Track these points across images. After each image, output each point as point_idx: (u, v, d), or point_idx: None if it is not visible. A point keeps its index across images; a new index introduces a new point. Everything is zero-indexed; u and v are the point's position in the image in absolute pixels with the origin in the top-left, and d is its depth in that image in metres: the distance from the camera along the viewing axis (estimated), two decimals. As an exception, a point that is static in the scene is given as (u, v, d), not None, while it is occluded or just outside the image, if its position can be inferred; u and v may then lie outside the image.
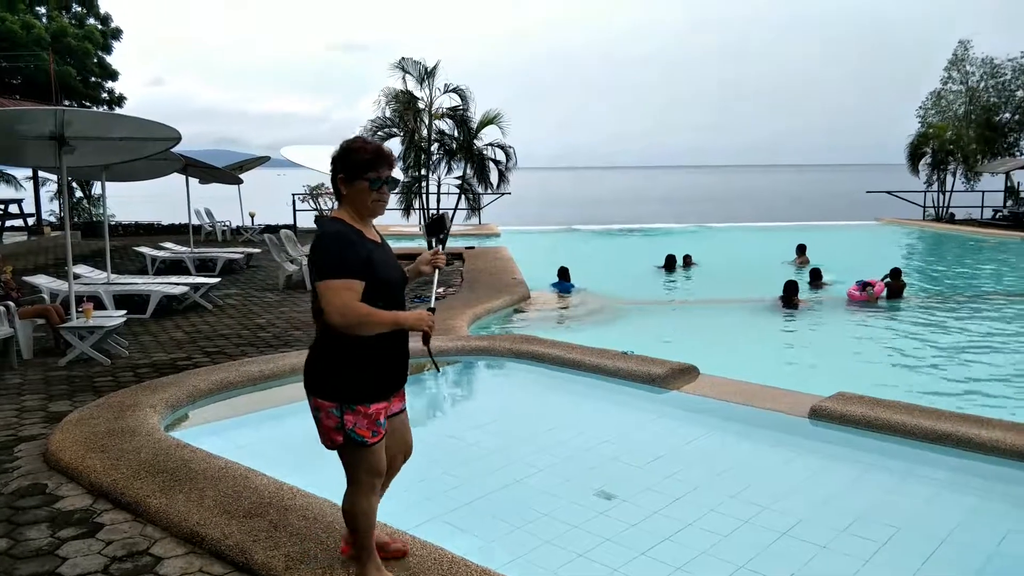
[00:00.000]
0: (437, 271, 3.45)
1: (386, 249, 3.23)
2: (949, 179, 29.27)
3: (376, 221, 3.31)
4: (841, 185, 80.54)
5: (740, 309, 12.60)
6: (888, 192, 30.81)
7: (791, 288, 12.05)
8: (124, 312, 8.73)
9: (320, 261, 2.98)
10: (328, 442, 3.14)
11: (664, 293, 14.45)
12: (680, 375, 6.78)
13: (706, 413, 6.16)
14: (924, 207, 29.86)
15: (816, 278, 14.10)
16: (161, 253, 15.41)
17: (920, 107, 37.76)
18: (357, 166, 3.07)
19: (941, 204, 29.18)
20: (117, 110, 24.03)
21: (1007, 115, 35.32)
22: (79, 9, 22.60)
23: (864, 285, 12.35)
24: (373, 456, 3.12)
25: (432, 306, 3.30)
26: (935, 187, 29.46)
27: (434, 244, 3.58)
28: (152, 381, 6.69)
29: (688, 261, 16.70)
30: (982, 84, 35.89)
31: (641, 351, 7.50)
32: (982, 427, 5.23)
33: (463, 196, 16.81)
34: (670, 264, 16.43)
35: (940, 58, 36.43)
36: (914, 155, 29.78)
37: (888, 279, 12.63)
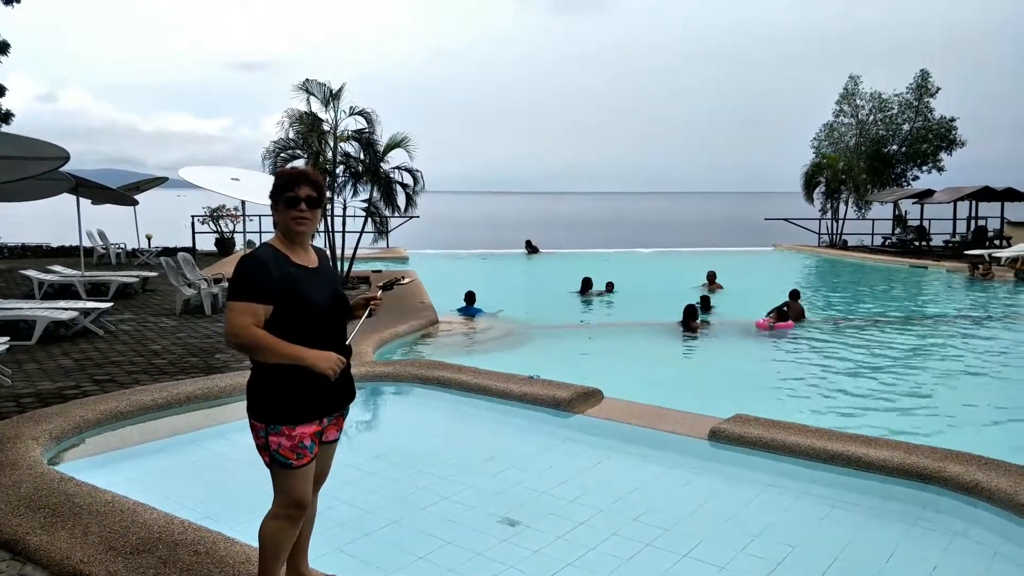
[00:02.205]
0: (368, 314, 3.41)
1: (319, 273, 3.22)
2: (842, 207, 30.84)
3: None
4: (738, 212, 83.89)
5: (646, 332, 12.86)
6: (785, 219, 32.22)
7: (690, 312, 12.36)
8: (7, 339, 8.18)
9: (231, 283, 3.09)
10: (264, 459, 3.18)
11: (574, 317, 14.57)
12: (585, 399, 6.82)
13: (610, 436, 6.22)
14: (819, 234, 31.34)
15: (706, 304, 14.53)
16: (49, 277, 14.58)
17: (814, 138, 39.90)
18: (276, 190, 3.16)
19: (835, 231, 30.68)
20: (3, 127, 22.77)
21: (894, 147, 37.67)
22: (-39, 21, 21.37)
23: (773, 316, 12.64)
24: (295, 480, 3.11)
25: (347, 344, 3.27)
26: (829, 215, 30.97)
27: (380, 291, 3.52)
28: (36, 412, 6.30)
29: (610, 287, 16.81)
30: (871, 117, 38.20)
31: (547, 375, 7.52)
32: (870, 446, 5.45)
33: (369, 219, 16.62)
34: (585, 288, 16.57)
35: (832, 91, 38.57)
36: (809, 184, 31.28)
37: (786, 306, 13.04)
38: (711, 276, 17.56)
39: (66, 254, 22.23)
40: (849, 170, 30.86)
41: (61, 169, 10.58)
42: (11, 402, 6.94)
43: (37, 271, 14.97)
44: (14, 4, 21.55)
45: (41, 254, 23.00)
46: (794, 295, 13.77)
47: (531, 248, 26.61)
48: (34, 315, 10.00)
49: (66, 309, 10.47)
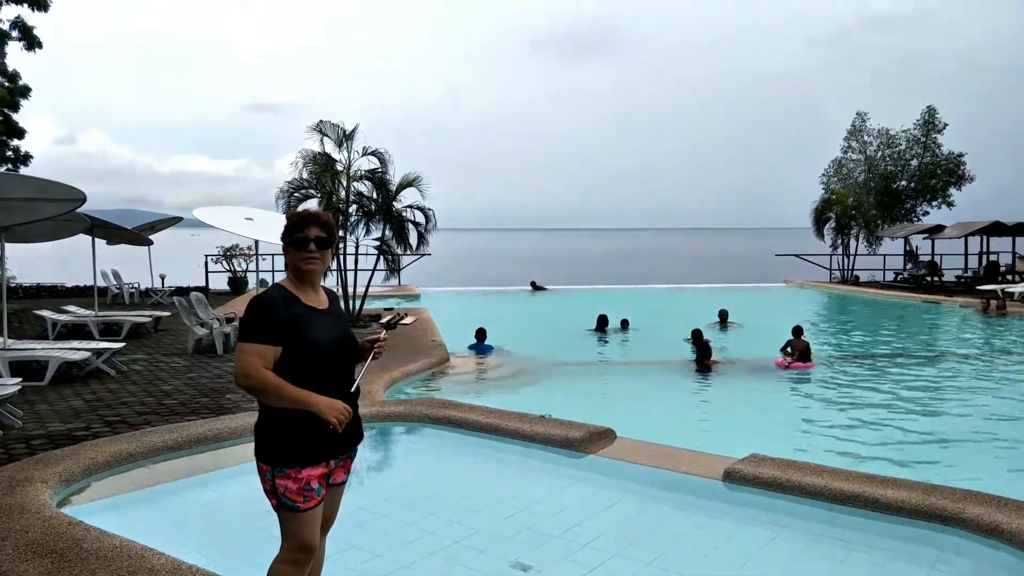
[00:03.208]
0: (372, 357, 3.39)
1: (328, 314, 3.24)
2: (852, 243, 30.77)
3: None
4: (750, 248, 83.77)
5: (660, 370, 12.78)
6: (796, 255, 32.15)
7: (704, 351, 12.29)
8: (19, 380, 8.21)
9: (241, 324, 3.11)
10: (271, 503, 3.15)
11: (587, 355, 14.49)
12: (597, 439, 6.75)
13: (623, 477, 6.14)
14: (830, 270, 31.24)
15: (698, 339, 14.46)
16: (63, 317, 14.68)
17: (823, 174, 40.02)
18: (287, 231, 3.20)
19: (846, 267, 30.59)
20: (22, 169, 23.12)
21: (903, 183, 37.71)
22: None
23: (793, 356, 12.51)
24: (302, 524, 3.09)
25: (354, 390, 3.25)
26: (840, 250, 30.89)
27: (383, 331, 3.52)
28: (46, 453, 6.30)
29: (625, 325, 16.70)
30: (879, 153, 38.33)
31: (560, 414, 7.46)
32: (888, 487, 5.36)
33: (381, 257, 16.73)
34: (601, 325, 16.46)
35: (841, 129, 38.74)
36: (819, 220, 31.26)
37: (790, 344, 12.92)
38: (723, 314, 17.46)
39: (80, 294, 22.39)
40: (859, 206, 30.85)
41: (77, 210, 10.72)
42: (21, 443, 6.94)
43: (51, 311, 15.07)
44: (36, 49, 22.02)
45: (56, 294, 23.17)
46: (797, 331, 13.69)
47: (536, 287, 26.69)
48: (47, 355, 10.05)
49: (78, 349, 10.52)
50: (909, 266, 30.62)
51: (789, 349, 12.75)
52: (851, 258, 30.58)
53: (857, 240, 31.09)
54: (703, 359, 12.19)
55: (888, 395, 10.60)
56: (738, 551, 4.84)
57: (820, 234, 31.43)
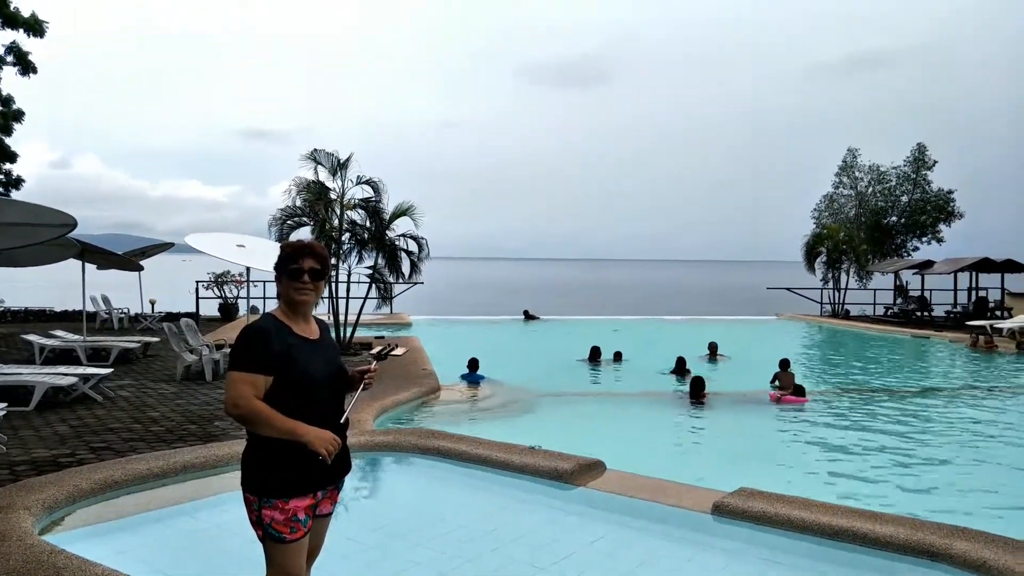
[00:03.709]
0: (362, 388, 3.39)
1: (319, 344, 3.25)
2: (843, 277, 30.95)
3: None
4: (742, 281, 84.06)
5: (651, 403, 12.77)
6: (787, 289, 32.31)
7: (697, 384, 12.31)
8: (4, 404, 8.14)
9: (231, 354, 3.11)
10: (257, 534, 3.13)
11: (579, 386, 14.44)
12: (587, 470, 6.73)
13: (612, 510, 6.11)
14: (821, 303, 31.39)
15: (681, 368, 14.79)
16: (50, 341, 14.58)
17: (815, 208, 40.34)
18: (280, 262, 3.21)
19: (837, 301, 30.73)
20: (14, 192, 23.11)
21: (894, 218, 38.05)
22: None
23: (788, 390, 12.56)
24: (288, 555, 3.08)
25: (343, 421, 3.26)
26: (830, 284, 31.06)
27: (374, 362, 3.51)
28: (29, 480, 6.23)
29: (618, 357, 16.64)
30: (870, 189, 38.71)
31: (550, 445, 7.43)
32: (876, 522, 5.34)
33: (374, 285, 16.72)
34: (594, 356, 16.41)
35: (831, 164, 39.17)
36: (810, 254, 31.47)
37: (776, 378, 13.03)
38: (713, 347, 17.49)
39: (69, 318, 22.28)
40: (850, 240, 31.09)
41: (68, 235, 10.71)
42: (5, 470, 6.86)
43: (38, 336, 14.98)
44: (31, 74, 22.13)
45: (44, 318, 23.05)
46: (784, 364, 13.77)
47: (529, 316, 26.75)
48: (33, 380, 9.96)
49: (65, 375, 10.44)
50: (899, 301, 30.80)
51: (777, 383, 12.77)
52: (842, 292, 30.75)
53: (848, 274, 31.28)
54: (697, 392, 12.19)
55: (877, 430, 10.61)
56: (727, 586, 4.82)
57: (811, 268, 31.63)
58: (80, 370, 11.12)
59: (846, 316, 29.72)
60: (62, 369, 11.13)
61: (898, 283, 32.37)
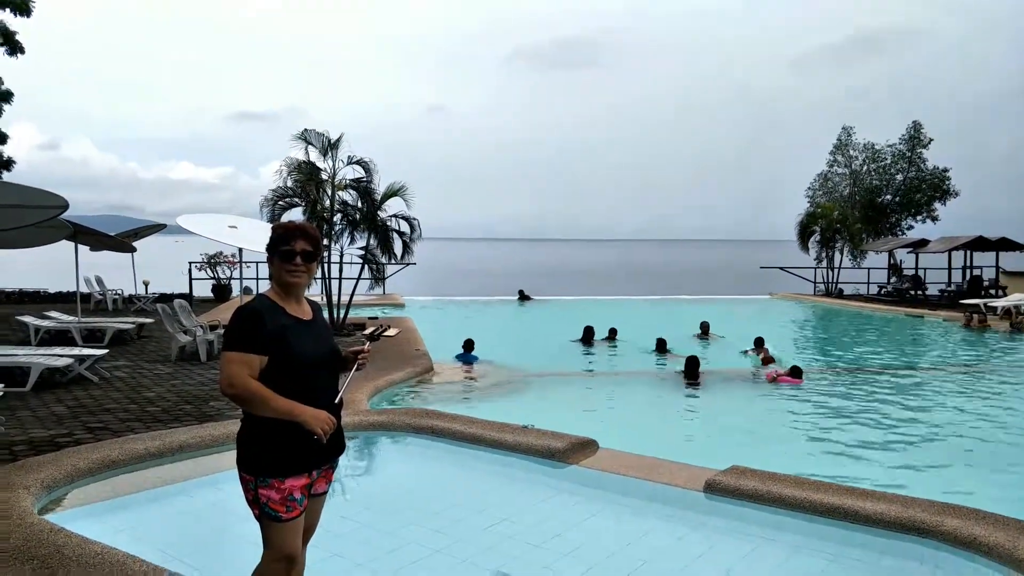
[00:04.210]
0: (356, 368, 3.42)
1: (312, 325, 3.26)
2: (837, 256, 30.99)
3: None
4: (736, 260, 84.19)
5: (643, 382, 12.83)
6: (781, 268, 32.36)
7: (692, 364, 12.35)
8: (1, 385, 8.16)
9: (226, 334, 3.11)
10: (254, 512, 3.16)
11: (572, 365, 14.51)
12: (579, 449, 6.77)
13: (604, 488, 6.16)
14: (815, 283, 31.45)
15: (662, 347, 15.05)
16: (45, 323, 14.55)
17: (809, 187, 40.33)
18: (272, 243, 3.22)
19: (830, 280, 30.80)
20: (4, 174, 22.98)
21: (888, 197, 38.06)
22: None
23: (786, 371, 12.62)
24: (284, 533, 3.11)
25: (338, 401, 3.28)
26: (824, 264, 31.11)
27: (367, 342, 3.54)
28: (28, 460, 6.27)
29: (613, 335, 16.68)
30: (864, 168, 38.70)
31: (543, 424, 7.47)
32: (867, 499, 5.40)
33: (366, 266, 16.71)
34: (587, 337, 16.42)
35: (826, 141, 39.10)
36: (804, 233, 31.48)
37: (753, 350, 13.29)
38: (704, 326, 17.52)
39: (63, 300, 22.22)
40: (844, 219, 31.10)
41: (61, 216, 10.66)
42: (4, 450, 6.89)
43: (34, 317, 14.95)
44: (18, 55, 21.91)
45: (39, 300, 22.99)
46: (758, 342, 13.90)
47: (523, 296, 26.75)
48: (29, 362, 9.97)
49: (61, 356, 10.44)
50: (893, 280, 30.89)
51: (749, 354, 12.96)
52: (835, 271, 30.80)
53: (842, 253, 31.32)
54: (692, 372, 12.22)
55: (870, 408, 10.68)
56: (718, 562, 4.87)
57: (805, 247, 31.65)
58: (76, 351, 11.11)
59: (840, 295, 29.80)
60: (58, 350, 11.12)
61: (892, 262, 32.44)
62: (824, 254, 31.08)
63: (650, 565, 4.70)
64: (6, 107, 22.36)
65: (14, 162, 23.46)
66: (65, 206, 8.65)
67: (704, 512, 5.72)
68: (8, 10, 20.97)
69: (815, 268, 31.49)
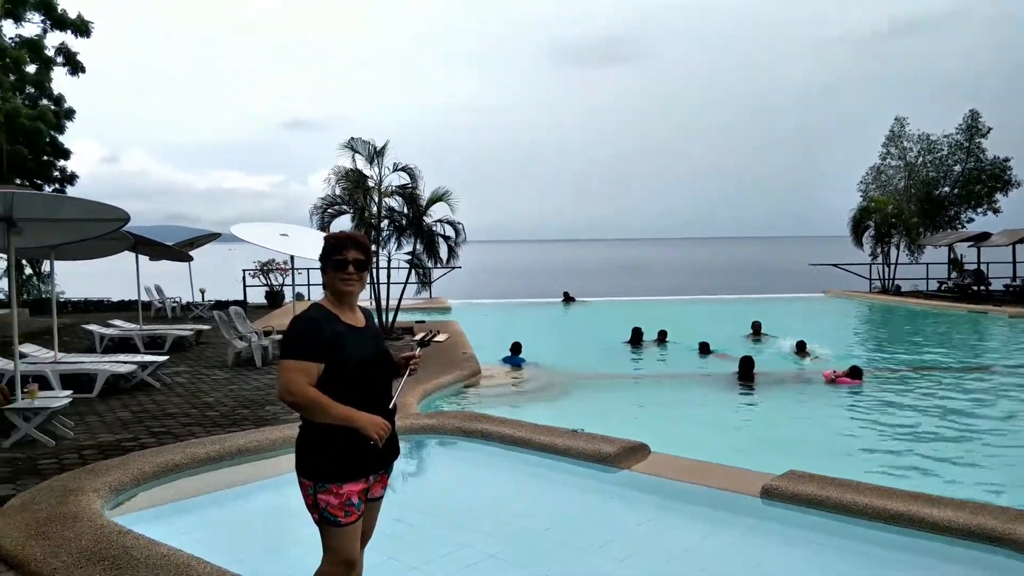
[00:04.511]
0: (408, 373, 3.48)
1: (365, 332, 3.32)
2: (893, 251, 30.15)
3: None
4: (786, 257, 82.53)
5: (693, 384, 12.66)
6: (833, 265, 31.63)
7: (747, 364, 12.14)
8: (70, 392, 8.49)
9: (283, 342, 3.21)
10: (313, 517, 3.22)
11: (621, 368, 14.38)
12: (631, 453, 6.70)
13: (657, 493, 6.08)
14: (870, 279, 30.66)
15: (662, 338, 15.30)
16: (109, 331, 15.05)
17: (861, 181, 39.31)
18: (325, 253, 3.29)
19: (886, 276, 29.99)
20: (68, 188, 23.78)
21: (946, 189, 36.89)
22: (32, 91, 22.62)
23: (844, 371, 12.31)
24: (344, 538, 3.17)
25: (392, 406, 3.33)
26: (880, 260, 30.30)
27: (417, 348, 3.59)
28: (96, 464, 6.51)
29: (662, 337, 16.48)
30: (920, 159, 37.57)
31: (593, 428, 7.43)
32: (933, 506, 5.21)
33: (413, 271, 16.88)
34: (636, 338, 16.27)
35: (878, 133, 38.07)
36: (857, 228, 30.69)
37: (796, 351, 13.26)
38: (756, 326, 17.22)
39: (125, 308, 22.92)
40: (899, 213, 30.26)
41: (121, 228, 10.98)
42: (74, 454, 7.17)
43: (98, 325, 15.47)
44: (79, 74, 22.67)
45: (102, 308, 23.75)
46: (800, 346, 13.90)
47: (568, 298, 26.61)
48: (96, 369, 10.35)
49: (125, 363, 10.80)
50: (954, 275, 29.92)
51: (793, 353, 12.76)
52: (891, 267, 29.98)
53: (898, 249, 30.46)
54: (746, 373, 12.01)
55: (933, 410, 10.36)
56: (777, 570, 4.78)
57: (859, 243, 30.85)
58: (138, 358, 11.49)
59: (897, 292, 29.00)
60: (121, 357, 11.51)
61: (952, 256, 31.41)
62: (879, 249, 30.28)
63: (708, 572, 4.63)
64: (69, 124, 23.14)
65: (77, 176, 24.25)
66: (126, 219, 8.89)
67: (761, 518, 5.60)
68: (70, 32, 21.74)
69: (870, 264, 30.70)
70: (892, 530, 5.14)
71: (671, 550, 5.01)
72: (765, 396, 11.51)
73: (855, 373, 11.90)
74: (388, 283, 16.83)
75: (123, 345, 14.70)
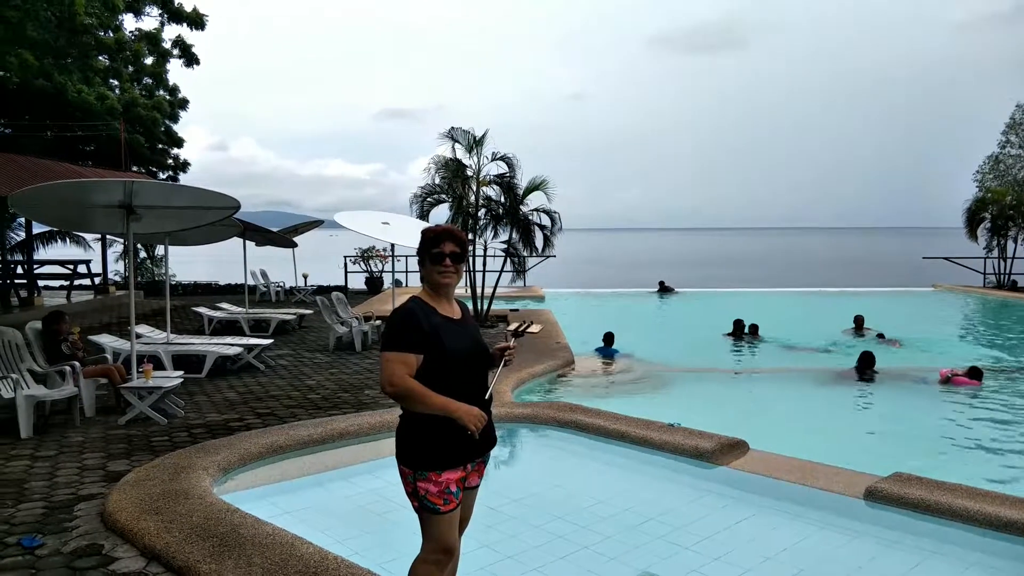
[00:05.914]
0: (503, 364, 3.52)
1: (462, 323, 3.41)
2: (1011, 245, 28.41)
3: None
4: (894, 249, 78.78)
5: (795, 379, 12.30)
6: (946, 258, 30.06)
7: (867, 360, 11.66)
8: (181, 373, 8.97)
9: (384, 334, 3.28)
10: (413, 505, 3.30)
11: (718, 361, 14.07)
12: (729, 450, 6.61)
13: (756, 491, 5.99)
14: (984, 273, 29.00)
15: (739, 330, 15.04)
16: (218, 313, 15.82)
17: (977, 171, 37.08)
18: (423, 247, 3.38)
19: (1002, 271, 28.30)
20: (181, 175, 25.08)
21: (1070, 179, 34.40)
22: (149, 81, 23.89)
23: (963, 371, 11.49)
24: (442, 525, 3.24)
25: (488, 396, 3.39)
26: (996, 253, 28.61)
27: (511, 339, 3.63)
28: (205, 443, 6.84)
29: (754, 331, 16.00)
30: (1043, 148, 35.14)
31: (688, 423, 7.35)
32: (1051, 515, 4.96)
33: (508, 259, 17.00)
34: (738, 330, 15.90)
35: (998, 121, 35.84)
36: (972, 220, 29.04)
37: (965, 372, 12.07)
38: (858, 320, 16.53)
39: (232, 291, 24.00)
40: (1018, 205, 28.45)
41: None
42: (184, 432, 7.57)
43: (207, 308, 16.27)
44: (194, 66, 23.81)
45: (210, 291, 24.95)
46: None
47: (664, 288, 26.13)
48: (204, 350, 10.88)
49: (232, 345, 11.32)
50: (1079, 270, 27.94)
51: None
52: (1008, 261, 28.26)
53: (1016, 242, 28.67)
54: (865, 368, 11.52)
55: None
56: (880, 574, 4.63)
57: (973, 235, 29.17)
58: (244, 340, 12.02)
59: (1013, 287, 27.33)
60: (228, 339, 12.07)
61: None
62: (996, 243, 28.57)
63: (805, 574, 4.54)
64: (183, 114, 24.37)
65: (189, 164, 25.53)
66: (237, 207, 9.28)
67: (865, 521, 5.43)
68: (186, 25, 22.85)
69: (985, 258, 29.01)
70: (1006, 538, 4.92)
71: (768, 549, 4.93)
72: (872, 395, 11.08)
73: (975, 374, 11.12)
74: (484, 271, 17.04)
75: (230, 327, 15.39)
